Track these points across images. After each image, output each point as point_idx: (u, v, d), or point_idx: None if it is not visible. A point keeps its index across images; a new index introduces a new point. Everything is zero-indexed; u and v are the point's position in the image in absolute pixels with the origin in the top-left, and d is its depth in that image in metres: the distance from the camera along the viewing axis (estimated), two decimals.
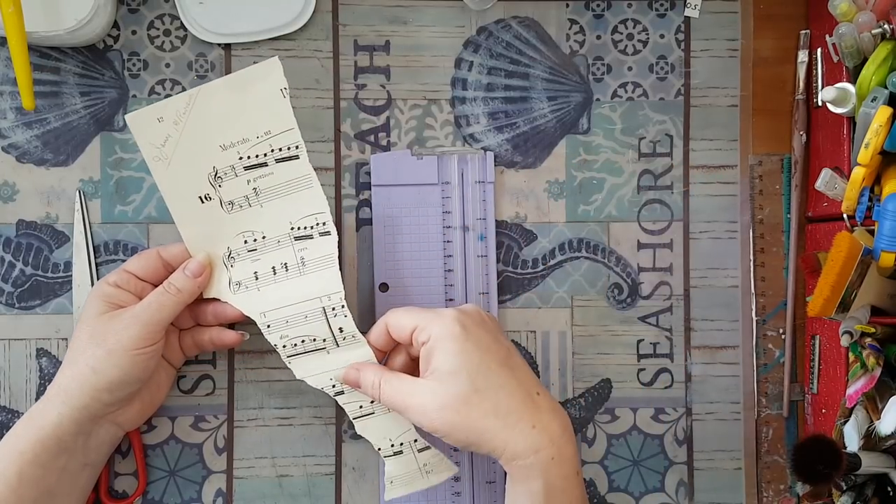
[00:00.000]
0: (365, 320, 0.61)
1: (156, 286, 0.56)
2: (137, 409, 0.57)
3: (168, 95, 0.61)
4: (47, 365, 0.60)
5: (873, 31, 0.53)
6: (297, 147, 0.55)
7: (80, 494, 0.56)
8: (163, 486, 0.61)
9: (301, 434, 0.61)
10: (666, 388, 0.63)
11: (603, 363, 0.63)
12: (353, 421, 0.57)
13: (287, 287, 0.56)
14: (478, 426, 0.51)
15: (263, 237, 0.57)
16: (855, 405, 0.54)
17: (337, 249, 0.56)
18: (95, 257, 0.60)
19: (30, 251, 0.60)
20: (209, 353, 0.61)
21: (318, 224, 0.56)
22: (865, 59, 0.54)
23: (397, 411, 0.54)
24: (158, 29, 0.61)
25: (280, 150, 0.55)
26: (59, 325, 0.60)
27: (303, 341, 0.56)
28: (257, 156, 0.56)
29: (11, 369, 0.60)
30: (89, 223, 0.60)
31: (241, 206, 0.56)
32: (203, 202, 0.56)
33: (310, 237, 0.56)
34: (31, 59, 0.57)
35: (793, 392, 0.63)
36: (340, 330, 0.56)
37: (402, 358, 0.57)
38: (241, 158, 0.56)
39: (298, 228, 0.56)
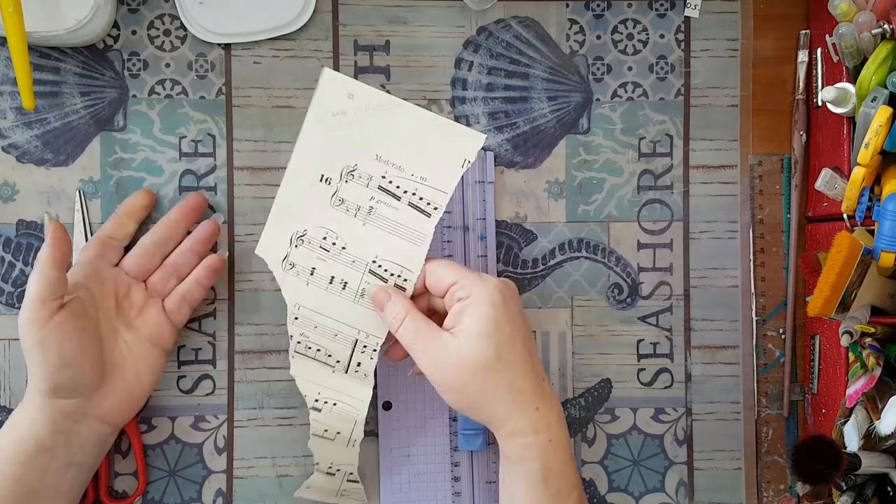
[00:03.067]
0: None
1: None
2: (113, 401, 0.55)
3: (168, 96, 0.61)
4: None
5: (873, 31, 0.53)
6: (435, 209, 0.54)
7: (68, 495, 0.55)
8: (163, 486, 0.61)
9: (301, 434, 0.61)
10: (666, 388, 0.63)
11: (603, 363, 0.63)
12: (312, 435, 0.57)
13: (334, 301, 0.55)
14: (489, 392, 0.51)
15: (343, 248, 0.55)
16: (855, 405, 0.54)
17: None
18: None
19: (30, 251, 0.60)
20: (209, 353, 0.61)
21: (399, 276, 0.55)
22: (865, 59, 0.54)
23: (409, 352, 0.53)
24: (158, 29, 0.61)
25: (422, 199, 0.54)
26: None
27: (318, 350, 0.56)
28: (398, 187, 0.54)
29: (11, 369, 0.60)
30: (89, 223, 0.60)
31: (347, 210, 0.54)
32: (320, 181, 0.54)
33: (383, 279, 0.55)
34: (31, 59, 0.57)
35: (793, 392, 0.63)
36: (358, 364, 0.56)
37: (421, 305, 0.56)
38: (383, 177, 0.54)
39: (379, 266, 0.55)
